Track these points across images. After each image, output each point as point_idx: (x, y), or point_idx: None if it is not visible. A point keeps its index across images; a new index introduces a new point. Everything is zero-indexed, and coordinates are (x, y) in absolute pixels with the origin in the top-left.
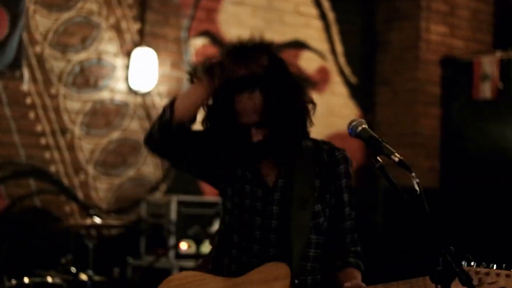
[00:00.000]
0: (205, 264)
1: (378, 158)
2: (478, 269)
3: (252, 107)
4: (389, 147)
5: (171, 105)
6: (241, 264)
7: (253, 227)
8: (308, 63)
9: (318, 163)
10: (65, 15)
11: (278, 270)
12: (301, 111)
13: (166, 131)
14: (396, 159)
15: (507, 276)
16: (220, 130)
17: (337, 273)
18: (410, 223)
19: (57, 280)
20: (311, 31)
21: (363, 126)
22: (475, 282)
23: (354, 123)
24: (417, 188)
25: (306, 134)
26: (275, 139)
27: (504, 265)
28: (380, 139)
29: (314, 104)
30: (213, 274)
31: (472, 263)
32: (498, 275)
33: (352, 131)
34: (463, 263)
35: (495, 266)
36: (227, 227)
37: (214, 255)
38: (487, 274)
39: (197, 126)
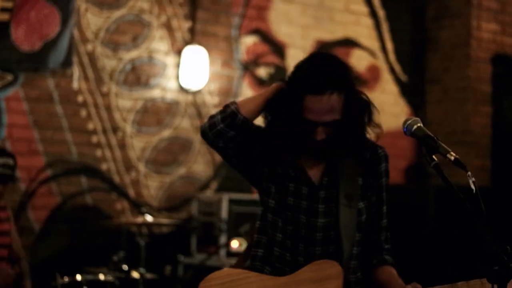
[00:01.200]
0: (242, 261)
1: (434, 156)
2: None
3: (328, 108)
4: (444, 146)
5: (234, 103)
6: (285, 263)
7: (297, 226)
8: (358, 61)
9: (361, 160)
10: (116, 13)
11: (330, 269)
12: (364, 122)
13: (230, 123)
14: (452, 158)
15: None
16: (287, 124)
17: (375, 271)
18: (462, 223)
19: (109, 278)
20: (361, 29)
21: (418, 124)
22: None
23: (410, 121)
24: (472, 187)
25: (364, 142)
26: (339, 140)
27: None
28: (435, 138)
29: (380, 127)
30: (257, 272)
31: None
32: None
33: (407, 129)
34: None
35: None
36: (268, 225)
37: (253, 253)
38: None
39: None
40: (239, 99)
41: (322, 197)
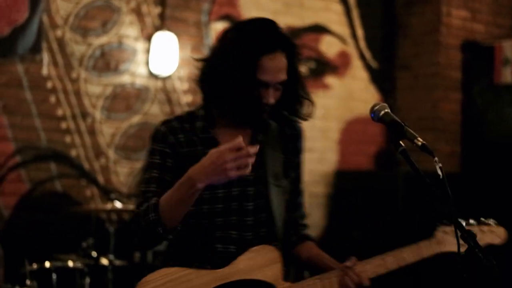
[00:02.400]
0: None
1: (401, 142)
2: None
3: (280, 66)
4: (411, 131)
5: (158, 222)
6: (217, 254)
7: (229, 214)
8: (328, 47)
9: (282, 136)
10: None
11: (268, 254)
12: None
13: (159, 241)
14: (419, 143)
15: (491, 232)
16: (237, 85)
17: (297, 248)
18: (431, 209)
19: (78, 264)
20: (331, 15)
21: (386, 110)
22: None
23: (377, 107)
24: (439, 172)
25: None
26: (283, 107)
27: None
28: (402, 124)
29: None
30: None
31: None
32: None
33: (375, 115)
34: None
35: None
36: (194, 217)
37: (175, 250)
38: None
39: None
40: None
41: (250, 179)
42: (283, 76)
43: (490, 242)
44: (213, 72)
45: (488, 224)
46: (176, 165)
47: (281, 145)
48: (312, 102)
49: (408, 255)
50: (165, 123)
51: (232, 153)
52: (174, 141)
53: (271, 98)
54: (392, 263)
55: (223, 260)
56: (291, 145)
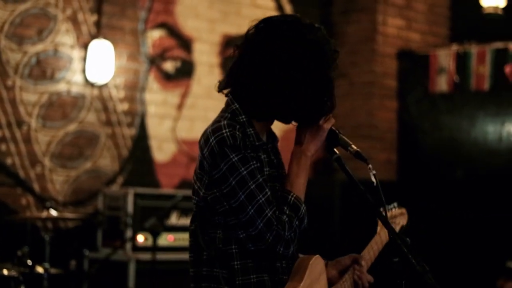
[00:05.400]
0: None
1: (335, 149)
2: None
3: None
4: (345, 138)
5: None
6: (264, 269)
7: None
8: None
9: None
10: (22, 7)
11: (319, 265)
12: None
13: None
14: (353, 151)
15: (402, 214)
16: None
17: None
18: (367, 216)
19: (13, 273)
20: None
21: None
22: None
23: None
24: (373, 179)
25: None
26: None
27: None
28: (337, 131)
29: None
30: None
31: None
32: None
33: None
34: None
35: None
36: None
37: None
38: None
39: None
40: (145, 93)
41: (275, 175)
42: None
43: (403, 224)
44: (271, 78)
45: (399, 207)
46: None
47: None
48: None
49: (370, 253)
50: (229, 128)
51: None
52: (250, 145)
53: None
54: (368, 262)
55: (278, 275)
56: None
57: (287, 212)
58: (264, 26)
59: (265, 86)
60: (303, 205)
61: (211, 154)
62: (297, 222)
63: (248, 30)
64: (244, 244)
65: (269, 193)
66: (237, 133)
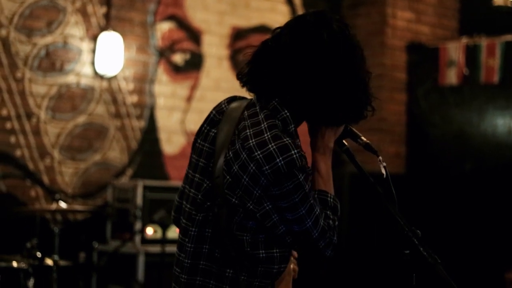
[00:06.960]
0: None
1: (344, 141)
2: None
3: None
4: (355, 130)
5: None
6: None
7: None
8: None
9: None
10: None
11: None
12: None
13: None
14: (363, 142)
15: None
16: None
17: None
18: (377, 208)
19: (23, 265)
20: (277, 16)
21: None
22: None
23: None
24: (383, 171)
25: None
26: None
27: None
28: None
29: None
30: None
31: None
32: None
33: None
34: None
35: None
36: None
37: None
38: None
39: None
40: (154, 86)
41: None
42: None
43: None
44: (321, 76)
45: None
46: None
47: None
48: None
49: None
50: (296, 148)
51: None
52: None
53: None
54: None
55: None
56: None
57: (331, 216)
58: (301, 28)
59: (325, 92)
60: (339, 204)
61: (276, 172)
62: (336, 223)
63: (281, 32)
64: (287, 247)
65: (318, 202)
66: (302, 153)
